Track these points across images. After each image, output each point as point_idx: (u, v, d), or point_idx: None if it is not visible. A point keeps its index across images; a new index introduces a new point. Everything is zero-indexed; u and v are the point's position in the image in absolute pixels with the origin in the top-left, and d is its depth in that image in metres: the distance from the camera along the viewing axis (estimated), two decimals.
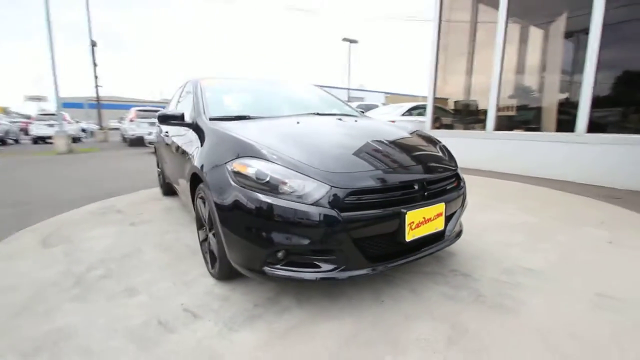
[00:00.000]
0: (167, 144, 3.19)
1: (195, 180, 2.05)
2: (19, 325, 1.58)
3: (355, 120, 2.42)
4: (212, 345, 1.41)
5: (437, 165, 1.84)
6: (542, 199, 3.75)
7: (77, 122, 20.50)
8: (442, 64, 6.59)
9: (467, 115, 6.64)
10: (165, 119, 2.39)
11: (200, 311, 1.65)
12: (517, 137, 5.34)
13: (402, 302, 1.71)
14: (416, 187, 1.60)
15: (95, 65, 18.87)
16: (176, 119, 2.36)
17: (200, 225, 2.12)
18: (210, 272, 2.00)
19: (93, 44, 18.50)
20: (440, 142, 2.20)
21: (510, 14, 5.30)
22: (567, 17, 5.34)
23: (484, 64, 6.71)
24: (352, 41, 27.39)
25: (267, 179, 1.49)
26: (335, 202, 1.43)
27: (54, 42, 10.15)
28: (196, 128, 2.27)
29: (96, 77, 18.78)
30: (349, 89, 38.60)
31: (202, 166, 1.84)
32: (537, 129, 5.65)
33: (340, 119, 2.39)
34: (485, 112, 6.46)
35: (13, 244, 2.61)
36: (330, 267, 1.47)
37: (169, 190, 4.01)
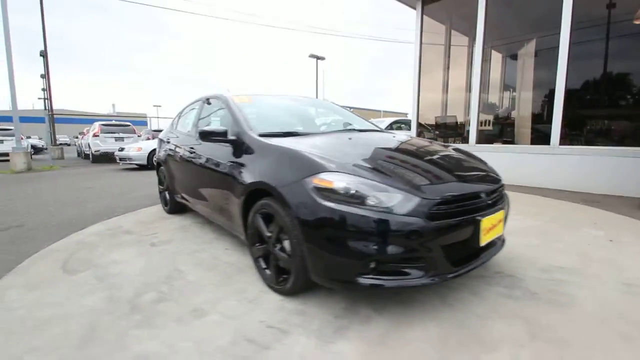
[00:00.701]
0: (185, 160, 3.12)
1: (253, 196, 2.06)
2: (94, 356, 1.48)
3: (393, 136, 2.57)
4: (316, 358, 1.43)
5: (493, 176, 2.03)
6: (536, 205, 4.15)
7: (28, 137, 18.82)
8: (423, 84, 7.06)
9: (448, 130, 7.14)
10: (207, 135, 2.37)
11: (285, 326, 1.66)
12: (498, 149, 5.85)
13: (468, 304, 1.85)
14: (483, 196, 1.77)
15: (46, 76, 17.56)
16: (219, 136, 2.35)
17: (255, 241, 2.11)
18: (273, 288, 1.99)
19: (43, 54, 17.24)
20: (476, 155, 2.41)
21: (486, 41, 5.88)
22: (535, 51, 6.05)
23: (458, 84, 7.32)
24: (319, 58, 28.14)
25: (356, 192, 1.57)
26: (425, 212, 1.54)
27: (11, 52, 9.36)
28: (241, 144, 2.28)
29: (44, 90, 17.45)
30: None
31: (270, 182, 1.86)
32: (512, 142, 6.24)
33: (383, 134, 2.54)
34: (463, 126, 7.01)
35: (31, 273, 2.39)
36: (421, 273, 1.57)
37: (176, 208, 3.87)
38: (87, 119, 33.09)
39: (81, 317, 1.79)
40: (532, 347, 1.47)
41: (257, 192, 2.02)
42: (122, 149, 10.00)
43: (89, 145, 12.82)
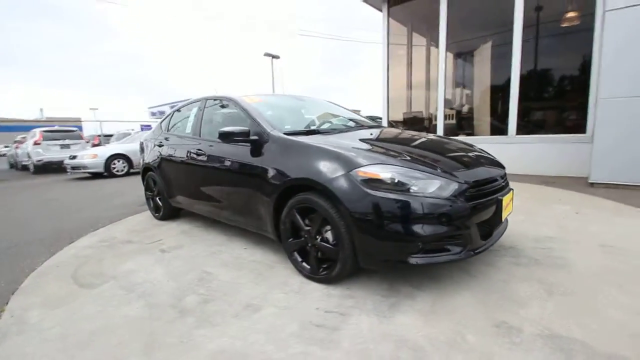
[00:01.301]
0: (188, 163, 3.05)
1: (285, 193, 2.14)
2: (168, 358, 1.48)
3: (401, 130, 2.80)
4: (385, 331, 1.58)
5: (498, 162, 2.34)
6: None
7: None
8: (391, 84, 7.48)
9: (415, 125, 7.64)
10: (228, 136, 2.39)
11: (342, 310, 1.78)
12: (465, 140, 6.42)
13: (488, 273, 2.12)
14: (499, 179, 2.05)
15: None
16: (241, 136, 2.37)
17: (289, 236, 2.19)
18: (314, 278, 2.09)
19: None
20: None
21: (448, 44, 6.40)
22: (490, 52, 6.71)
23: (419, 82, 7.86)
24: (273, 56, 27.94)
25: (401, 181, 1.74)
26: (463, 195, 1.77)
27: None
28: (263, 143, 2.34)
29: None
30: None
31: (315, 177, 1.94)
32: (472, 133, 6.88)
33: (392, 129, 2.74)
34: (429, 120, 7.56)
35: (42, 291, 2.22)
36: (459, 248, 1.79)
37: (170, 213, 3.74)
38: (17, 126, 29.36)
39: (129, 326, 1.75)
40: (553, 300, 1.77)
41: (290, 189, 2.11)
42: (73, 157, 9.16)
43: (28, 154, 11.49)
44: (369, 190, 1.76)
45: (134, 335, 1.66)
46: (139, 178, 4.34)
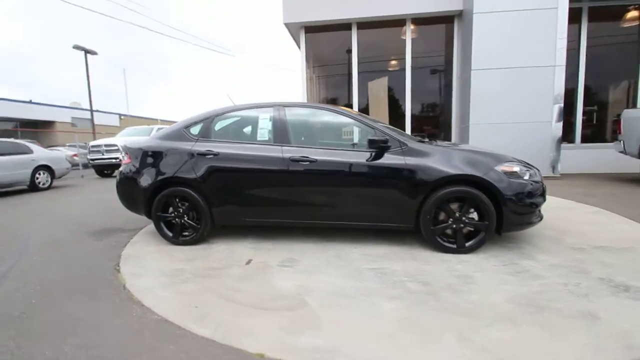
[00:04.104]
0: (270, 171, 2.96)
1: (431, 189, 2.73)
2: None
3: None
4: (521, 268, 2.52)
5: None
6: None
7: None
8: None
9: None
10: (375, 144, 2.74)
11: (470, 270, 2.59)
12: None
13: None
14: None
15: None
16: (384, 144, 2.75)
17: (433, 223, 2.77)
18: (459, 250, 2.75)
19: None
20: None
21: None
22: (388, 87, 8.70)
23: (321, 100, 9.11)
24: (88, 51, 22.43)
25: (523, 172, 2.76)
26: (541, 180, 2.96)
27: None
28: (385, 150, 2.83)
29: None
30: (69, 107, 30.81)
31: (475, 173, 2.66)
32: None
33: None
34: None
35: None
36: (541, 214, 2.94)
37: (204, 234, 3.22)
38: None
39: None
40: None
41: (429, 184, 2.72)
42: None
43: None
44: (512, 179, 2.68)
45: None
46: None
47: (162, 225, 3.24)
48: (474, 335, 1.68)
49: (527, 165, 2.88)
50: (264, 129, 3.11)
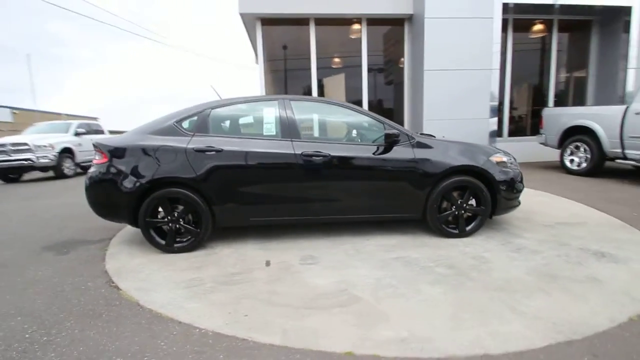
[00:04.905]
0: (279, 167, 2.86)
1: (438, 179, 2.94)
2: None
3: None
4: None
5: None
6: None
7: None
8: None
9: None
10: (390, 138, 2.83)
11: (479, 252, 2.92)
12: None
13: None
14: None
15: None
16: (397, 137, 2.85)
17: (439, 211, 2.99)
18: (461, 235, 3.01)
19: None
20: None
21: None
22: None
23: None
24: None
25: (509, 161, 3.13)
26: None
27: None
28: (405, 143, 2.96)
29: None
30: None
31: (474, 163, 2.94)
32: None
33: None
34: None
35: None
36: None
37: (197, 243, 2.96)
38: None
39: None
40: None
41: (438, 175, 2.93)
42: None
43: None
44: (501, 169, 3.02)
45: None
46: None
47: (152, 232, 2.87)
48: (522, 307, 1.89)
49: (508, 155, 3.27)
50: (270, 123, 2.96)
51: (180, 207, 2.88)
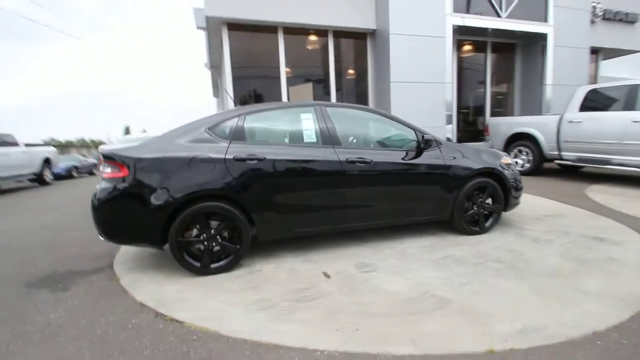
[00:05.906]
0: (324, 174, 2.80)
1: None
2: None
3: None
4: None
5: None
6: None
7: None
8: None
9: None
10: (428, 143, 3.01)
11: (508, 245, 3.28)
12: None
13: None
14: None
15: None
16: (432, 143, 3.06)
17: (462, 211, 3.23)
18: (480, 232, 3.30)
19: None
20: None
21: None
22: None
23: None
24: None
25: (512, 162, 3.54)
26: None
27: None
28: (432, 148, 3.15)
29: None
30: None
31: (492, 166, 3.24)
32: None
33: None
34: None
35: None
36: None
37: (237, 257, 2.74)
38: None
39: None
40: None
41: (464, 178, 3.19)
42: None
43: None
44: (510, 169, 3.41)
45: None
46: None
47: (185, 253, 2.53)
48: (585, 288, 2.16)
49: (508, 156, 3.70)
50: (310, 130, 2.86)
51: (215, 223, 2.60)
